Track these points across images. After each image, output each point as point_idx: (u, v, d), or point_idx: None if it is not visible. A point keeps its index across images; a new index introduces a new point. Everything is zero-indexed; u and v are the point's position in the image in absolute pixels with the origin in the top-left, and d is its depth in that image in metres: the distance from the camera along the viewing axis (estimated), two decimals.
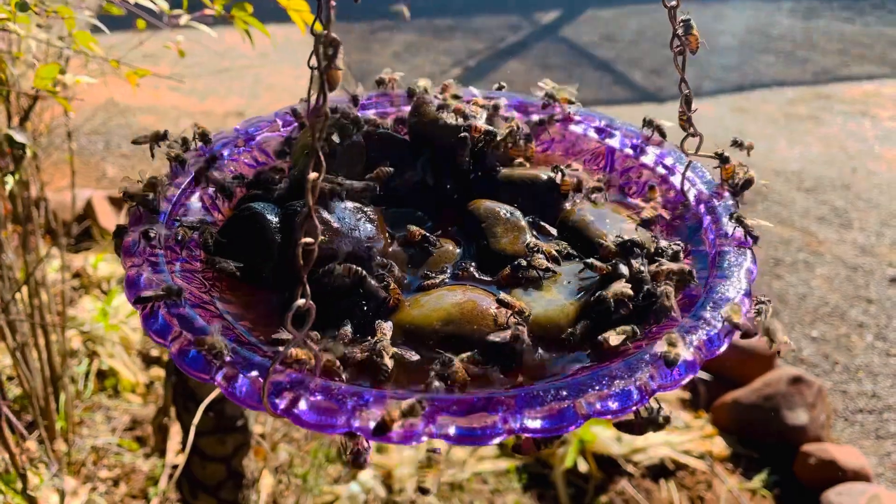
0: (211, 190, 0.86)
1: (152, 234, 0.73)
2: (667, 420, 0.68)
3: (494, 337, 0.68)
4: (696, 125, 0.87)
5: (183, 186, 0.85)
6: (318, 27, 0.54)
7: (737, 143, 0.91)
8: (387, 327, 0.68)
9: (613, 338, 0.68)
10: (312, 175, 0.53)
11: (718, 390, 2.39)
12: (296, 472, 1.98)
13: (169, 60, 1.86)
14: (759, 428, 2.26)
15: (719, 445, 2.22)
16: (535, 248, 0.78)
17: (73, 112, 1.81)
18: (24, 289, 1.77)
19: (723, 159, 0.87)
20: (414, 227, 0.81)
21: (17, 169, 1.46)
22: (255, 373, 0.60)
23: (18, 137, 0.94)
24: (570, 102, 1.03)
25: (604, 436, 2.13)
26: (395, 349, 0.67)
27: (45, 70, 0.92)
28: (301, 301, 0.56)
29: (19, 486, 1.34)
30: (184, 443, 1.44)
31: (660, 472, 2.13)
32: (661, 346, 0.63)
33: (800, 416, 2.24)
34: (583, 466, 2.08)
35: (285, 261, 0.74)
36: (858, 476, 2.09)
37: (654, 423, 0.67)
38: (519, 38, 5.75)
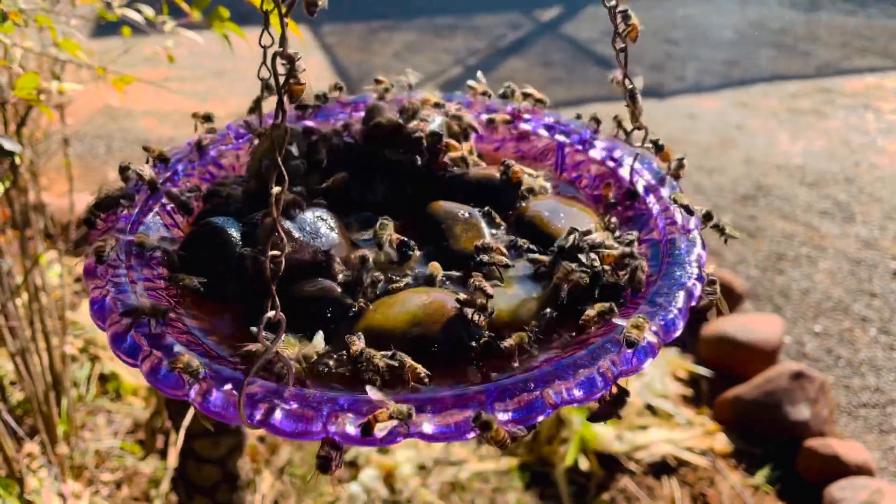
0: (169, 206, 0.86)
1: (105, 255, 0.73)
2: (626, 393, 0.70)
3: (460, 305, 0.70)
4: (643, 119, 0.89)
5: (140, 204, 0.84)
6: (274, 32, 0.54)
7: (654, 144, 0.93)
8: (357, 339, 0.68)
9: (590, 311, 0.71)
10: (276, 189, 0.53)
11: (720, 387, 2.38)
12: (296, 472, 1.98)
13: (172, 63, 1.87)
14: (761, 424, 2.26)
15: (721, 442, 2.22)
16: (485, 248, 0.79)
17: (65, 119, 1.82)
18: (24, 294, 1.78)
19: (657, 147, 0.89)
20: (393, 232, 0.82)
21: (14, 176, 1.46)
22: (228, 386, 0.61)
23: (7, 146, 0.95)
24: (541, 102, 1.05)
25: (604, 434, 2.13)
26: (384, 359, 0.67)
27: (25, 80, 0.92)
28: (271, 313, 0.57)
29: (17, 490, 1.35)
30: (178, 445, 1.45)
31: (662, 469, 2.13)
32: (624, 326, 0.66)
33: (802, 412, 2.23)
34: (584, 464, 2.08)
35: (249, 274, 0.75)
36: (861, 471, 2.08)
37: (619, 404, 0.69)
38: (519, 36, 5.74)
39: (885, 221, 3.38)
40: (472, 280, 0.73)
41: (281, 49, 0.54)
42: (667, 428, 2.23)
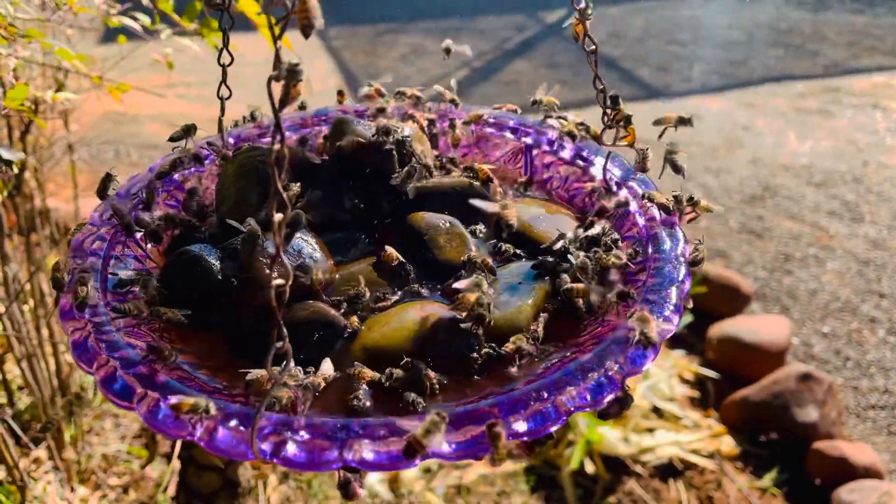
0: (139, 235, 0.84)
1: (86, 297, 0.71)
2: (631, 398, 0.70)
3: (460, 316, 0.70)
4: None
5: (109, 238, 0.82)
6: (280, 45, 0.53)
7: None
8: (327, 368, 0.67)
9: (610, 296, 0.72)
10: (278, 216, 0.52)
11: (727, 388, 2.37)
12: (301, 477, 1.98)
13: (178, 69, 1.88)
14: (768, 426, 2.24)
15: (728, 444, 2.21)
16: (472, 261, 0.78)
17: (69, 125, 1.83)
18: (31, 299, 1.79)
19: (614, 101, 0.87)
20: (391, 250, 0.81)
21: (18, 183, 1.47)
22: (234, 422, 0.59)
23: (6, 155, 0.95)
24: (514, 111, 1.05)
25: (610, 436, 2.12)
26: (372, 373, 0.67)
27: (16, 91, 0.92)
28: (279, 343, 0.55)
29: (18, 498, 1.35)
30: (177, 451, 1.45)
31: (668, 471, 2.12)
32: (633, 325, 0.66)
33: (810, 414, 2.22)
34: (590, 468, 2.07)
35: (234, 302, 0.73)
36: (870, 473, 2.06)
37: (626, 402, 0.69)
38: (525, 38, 5.74)
39: (893, 221, 3.36)
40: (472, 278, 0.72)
41: (276, 72, 0.53)
42: (673, 430, 2.22)
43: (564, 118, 0.98)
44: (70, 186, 2.89)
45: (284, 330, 0.55)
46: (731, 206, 3.47)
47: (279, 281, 0.53)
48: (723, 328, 2.52)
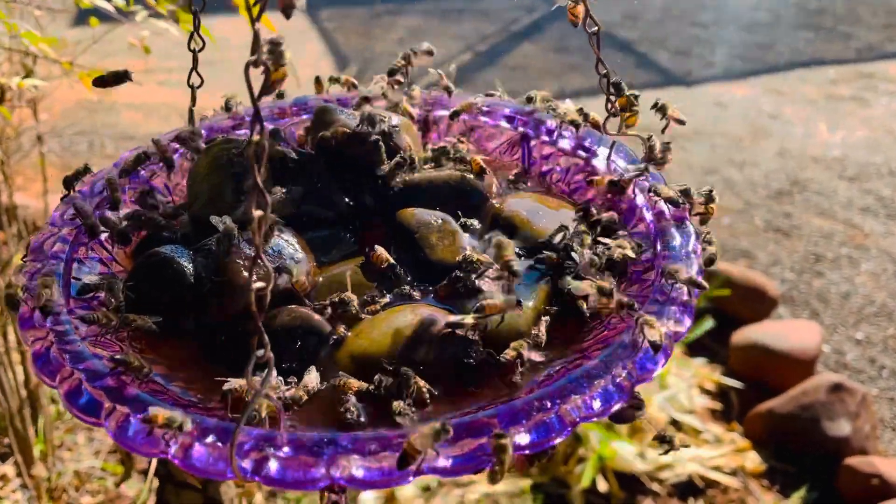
0: (103, 236, 0.83)
1: (52, 304, 0.70)
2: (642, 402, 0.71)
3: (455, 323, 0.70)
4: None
5: (71, 240, 0.81)
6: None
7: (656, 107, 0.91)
8: (349, 378, 0.67)
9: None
10: (257, 213, 0.51)
11: (751, 400, 2.36)
12: (289, 495, 1.98)
13: (158, 53, 1.87)
14: (796, 440, 2.23)
15: (753, 460, 2.20)
16: (470, 261, 0.77)
17: (38, 115, 1.82)
18: None
19: (618, 88, 0.87)
20: (381, 250, 0.80)
21: None
22: (211, 438, 0.58)
23: None
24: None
25: (625, 451, 2.11)
26: (359, 383, 0.66)
27: None
28: (260, 352, 0.54)
29: None
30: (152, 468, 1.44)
31: (688, 490, 2.11)
32: (644, 330, 0.66)
33: (842, 427, 2.21)
34: (602, 485, 2.06)
35: (209, 308, 0.73)
36: None
37: (639, 406, 0.69)
38: (533, 20, 5.73)
39: None
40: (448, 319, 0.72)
41: (254, 57, 0.51)
42: (693, 445, 2.21)
43: (554, 109, 0.98)
44: (40, 181, 2.88)
45: (266, 337, 0.54)
46: (756, 202, 3.46)
47: (259, 284, 0.52)
48: (747, 334, 2.51)
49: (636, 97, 0.87)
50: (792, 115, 4.25)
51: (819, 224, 3.32)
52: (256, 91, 0.50)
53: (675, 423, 2.28)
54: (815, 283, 2.98)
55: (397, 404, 0.64)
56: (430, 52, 1.04)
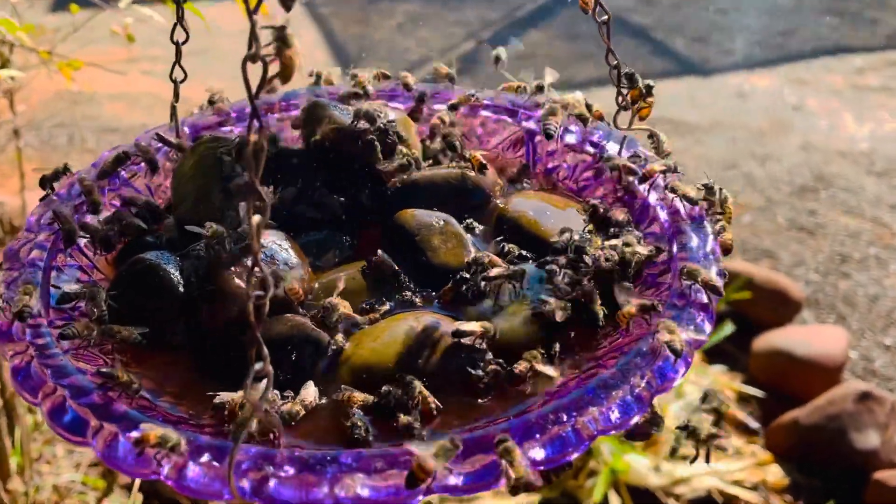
0: (83, 242, 0.83)
1: (29, 310, 0.70)
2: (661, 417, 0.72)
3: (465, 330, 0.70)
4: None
5: (49, 246, 0.81)
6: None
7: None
8: (310, 393, 0.67)
9: (630, 308, 0.73)
10: (256, 218, 0.50)
11: (774, 410, 2.36)
12: None
13: (143, 41, 1.87)
14: (822, 453, 2.23)
15: (775, 474, 2.20)
16: (480, 263, 0.78)
17: (14, 107, 1.83)
18: None
19: (630, 80, 0.87)
20: (384, 256, 0.80)
21: None
22: (206, 457, 0.58)
23: None
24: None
25: (639, 465, 2.11)
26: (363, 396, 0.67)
27: None
28: (258, 364, 0.53)
29: None
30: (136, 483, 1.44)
31: None
32: (662, 336, 0.67)
33: (870, 439, 2.21)
34: (615, 501, 2.07)
35: (199, 317, 0.73)
36: None
37: (656, 421, 0.71)
38: (540, 5, 5.72)
39: None
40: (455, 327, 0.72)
41: (252, 51, 0.51)
42: (712, 458, 2.21)
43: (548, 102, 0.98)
44: (16, 177, 2.89)
45: (265, 349, 0.54)
46: (778, 199, 3.46)
47: (258, 292, 0.52)
48: (769, 340, 2.51)
49: (650, 88, 0.87)
50: (816, 107, 4.25)
51: (845, 222, 3.32)
52: (254, 87, 0.50)
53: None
54: (841, 286, 2.98)
55: (403, 419, 0.64)
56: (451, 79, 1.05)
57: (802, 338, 2.50)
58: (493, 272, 0.77)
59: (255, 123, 0.50)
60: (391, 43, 4.97)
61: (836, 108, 4.24)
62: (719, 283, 0.72)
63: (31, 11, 1.71)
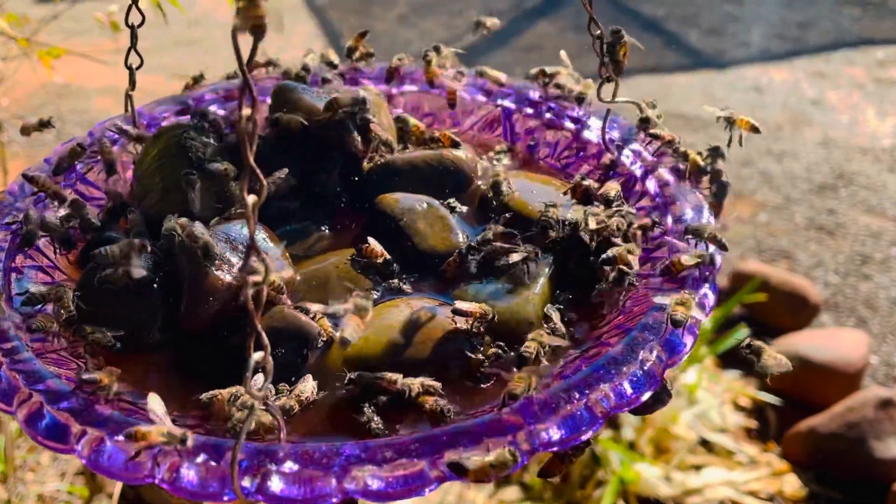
0: (41, 242, 0.82)
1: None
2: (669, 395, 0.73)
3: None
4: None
5: (7, 247, 0.81)
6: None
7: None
8: (309, 387, 0.67)
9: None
10: (251, 199, 0.49)
11: (791, 417, 2.36)
12: None
13: (128, 30, 1.87)
14: (840, 462, 2.23)
15: (792, 484, 2.20)
16: (485, 242, 0.78)
17: None
18: None
19: (616, 35, 0.88)
20: (374, 243, 0.80)
21: None
22: (202, 457, 0.58)
23: None
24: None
25: (649, 474, 2.11)
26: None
27: None
28: (258, 355, 0.52)
29: None
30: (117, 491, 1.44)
31: None
32: (669, 309, 0.69)
33: (892, 448, 2.20)
34: None
35: (179, 315, 0.72)
36: None
37: (662, 397, 0.71)
38: None
39: None
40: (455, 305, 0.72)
41: (240, 20, 0.51)
42: (725, 467, 2.21)
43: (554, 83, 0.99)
44: (0, 173, 2.89)
45: (265, 337, 0.53)
46: (797, 197, 3.46)
47: (256, 278, 0.51)
48: (786, 344, 2.51)
49: (616, 31, 0.87)
50: (836, 101, 4.25)
51: (866, 222, 3.31)
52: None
53: (706, 443, 2.28)
54: (861, 288, 2.97)
55: (432, 402, 0.65)
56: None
57: (820, 342, 2.50)
58: (514, 257, 0.77)
59: (249, 98, 0.49)
60: (393, 35, 4.97)
61: (858, 102, 4.24)
62: (697, 316, 0.72)
63: (18, 1, 1.71)
